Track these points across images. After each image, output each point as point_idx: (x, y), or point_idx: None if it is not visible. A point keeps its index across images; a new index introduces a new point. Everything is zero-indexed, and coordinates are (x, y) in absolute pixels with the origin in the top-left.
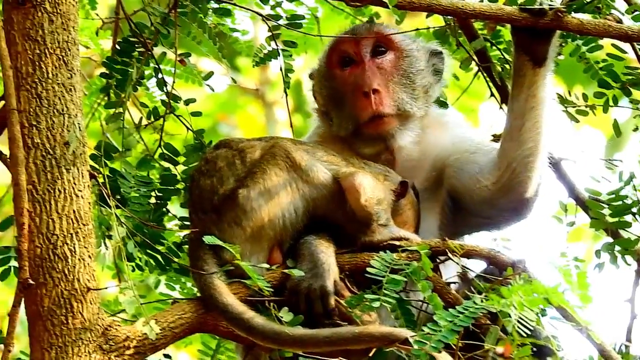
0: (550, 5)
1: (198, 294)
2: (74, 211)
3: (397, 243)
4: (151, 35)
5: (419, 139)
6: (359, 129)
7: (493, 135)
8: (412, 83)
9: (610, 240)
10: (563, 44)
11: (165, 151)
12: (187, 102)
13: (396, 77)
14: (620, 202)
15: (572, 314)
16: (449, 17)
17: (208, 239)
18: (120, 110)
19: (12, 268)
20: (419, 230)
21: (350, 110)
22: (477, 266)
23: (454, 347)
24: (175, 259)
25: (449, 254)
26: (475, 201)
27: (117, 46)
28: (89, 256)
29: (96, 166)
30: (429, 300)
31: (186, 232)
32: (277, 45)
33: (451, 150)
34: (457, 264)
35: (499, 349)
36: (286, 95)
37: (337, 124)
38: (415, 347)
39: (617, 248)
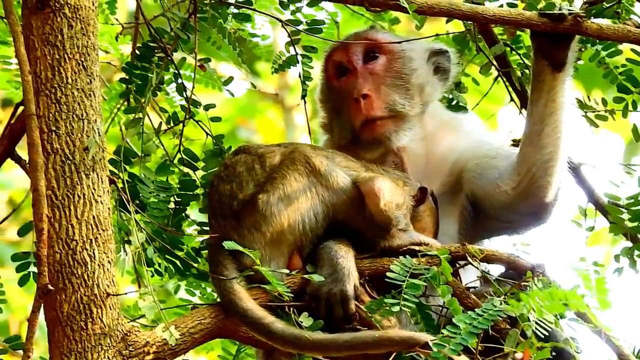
0: (569, 10)
1: (218, 299)
2: (93, 217)
3: (417, 248)
4: (171, 40)
5: (432, 142)
6: (356, 135)
7: (512, 140)
8: (405, 83)
9: (630, 244)
10: (582, 49)
11: (184, 156)
12: (207, 107)
13: (388, 79)
14: (639, 207)
15: (592, 318)
16: (468, 22)
17: (228, 244)
18: (140, 115)
19: (31, 274)
20: (437, 237)
21: (346, 118)
22: (496, 270)
23: (473, 350)
24: (195, 264)
25: (469, 259)
26: (495, 206)
27: (137, 51)
28: (109, 262)
29: (115, 171)
30: (448, 304)
31: (205, 237)
32: (296, 51)
33: (470, 155)
34: (477, 268)
35: (518, 354)
36: (305, 102)
37: (337, 133)
38: (435, 350)
39: (636, 252)
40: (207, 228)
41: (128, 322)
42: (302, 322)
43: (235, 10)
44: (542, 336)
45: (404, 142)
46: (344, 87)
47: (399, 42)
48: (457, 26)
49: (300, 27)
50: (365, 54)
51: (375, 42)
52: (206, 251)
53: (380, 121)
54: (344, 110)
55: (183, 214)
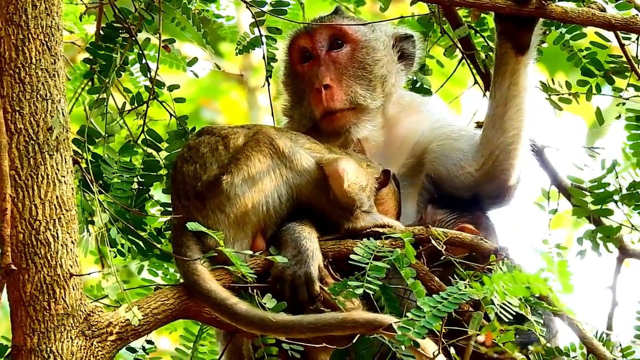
0: None
1: (181, 280)
2: (57, 197)
3: (381, 230)
4: (135, 20)
5: (393, 126)
6: (316, 124)
7: (476, 123)
8: (368, 74)
9: (592, 227)
10: (546, 32)
11: (148, 137)
12: (171, 88)
13: (351, 69)
14: (602, 190)
15: (555, 302)
16: (433, 4)
17: (191, 225)
18: (104, 95)
19: None
20: (399, 219)
21: (307, 106)
22: None
23: (438, 333)
24: (158, 245)
25: (433, 242)
26: (458, 187)
27: (101, 31)
28: (72, 242)
29: (79, 151)
30: (412, 287)
31: (169, 218)
32: (260, 32)
33: (433, 136)
34: (441, 251)
35: (481, 337)
36: (268, 84)
37: (297, 120)
38: (399, 333)
39: (599, 235)
40: (171, 209)
41: (91, 303)
42: (265, 304)
43: None
44: (507, 320)
45: (362, 134)
46: (307, 74)
47: (365, 24)
48: (421, 8)
49: (265, 8)
50: (330, 40)
51: (341, 28)
52: (170, 232)
53: (340, 113)
54: (306, 97)
55: (146, 195)
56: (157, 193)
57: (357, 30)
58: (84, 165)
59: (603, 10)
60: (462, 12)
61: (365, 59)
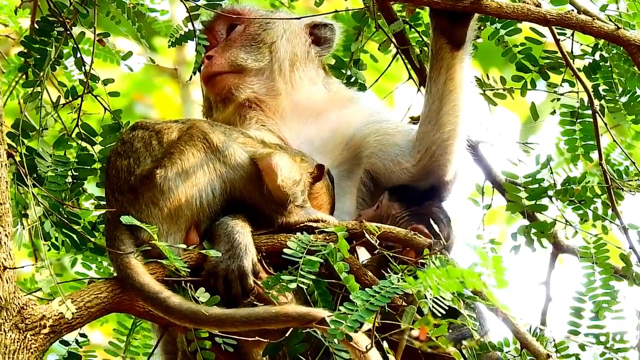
0: None
1: (115, 274)
2: None
3: (314, 224)
4: (70, 14)
5: (322, 112)
6: (210, 98)
7: (410, 118)
8: (255, 42)
9: (526, 222)
10: (482, 27)
11: (82, 131)
12: (105, 82)
13: (239, 41)
14: (536, 185)
15: (488, 297)
16: None
17: (125, 219)
18: (38, 89)
19: None
20: (333, 214)
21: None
22: None
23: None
24: (92, 239)
25: (366, 236)
26: (395, 182)
27: (36, 25)
28: (6, 235)
29: (13, 145)
30: (345, 281)
31: (103, 211)
32: (194, 26)
33: (369, 131)
34: (374, 245)
35: (414, 332)
36: (196, 74)
37: (203, 105)
38: (332, 326)
39: (533, 231)
40: (105, 202)
41: (24, 296)
42: (198, 298)
43: None
44: (440, 314)
45: (247, 93)
46: None
47: (284, 18)
48: (356, 3)
49: (200, 2)
50: (228, 28)
51: (235, 12)
52: (103, 225)
53: (220, 76)
54: None
55: (80, 188)
56: (91, 187)
57: (252, 11)
58: (18, 159)
59: (538, 5)
60: (396, 7)
61: (256, 31)
